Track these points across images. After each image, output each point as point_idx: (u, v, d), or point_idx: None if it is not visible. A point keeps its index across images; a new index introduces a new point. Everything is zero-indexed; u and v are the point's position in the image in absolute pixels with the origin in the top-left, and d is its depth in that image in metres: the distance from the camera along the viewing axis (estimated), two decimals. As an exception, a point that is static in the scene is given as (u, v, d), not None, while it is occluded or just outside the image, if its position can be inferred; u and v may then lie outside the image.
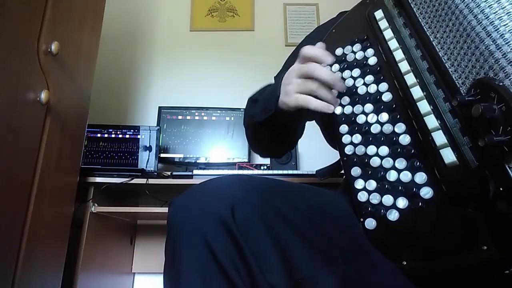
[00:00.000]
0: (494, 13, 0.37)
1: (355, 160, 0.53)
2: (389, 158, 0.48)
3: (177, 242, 0.43)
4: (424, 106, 0.45)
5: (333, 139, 0.55)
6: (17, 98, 0.85)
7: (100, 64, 1.40)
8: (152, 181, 1.39)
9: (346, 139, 0.55)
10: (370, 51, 0.57)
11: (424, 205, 0.43)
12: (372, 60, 0.56)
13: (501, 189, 0.36)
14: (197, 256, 0.41)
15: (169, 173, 1.49)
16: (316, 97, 0.56)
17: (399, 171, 0.47)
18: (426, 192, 0.43)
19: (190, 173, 1.44)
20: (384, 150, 0.49)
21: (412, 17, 0.51)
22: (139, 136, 1.60)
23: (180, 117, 1.78)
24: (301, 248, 0.44)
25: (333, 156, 0.61)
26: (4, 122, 0.80)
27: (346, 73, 0.58)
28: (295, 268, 0.43)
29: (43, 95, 0.92)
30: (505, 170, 0.35)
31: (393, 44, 0.52)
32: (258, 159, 1.78)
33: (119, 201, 1.49)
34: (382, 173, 0.49)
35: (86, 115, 1.27)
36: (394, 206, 0.46)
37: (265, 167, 1.59)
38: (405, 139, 0.48)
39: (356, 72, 0.57)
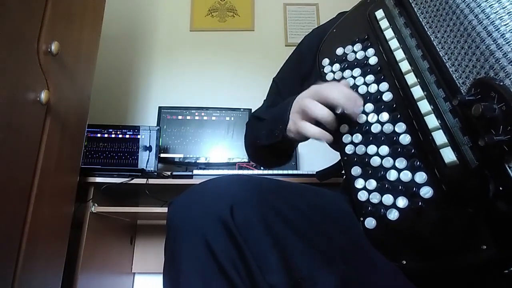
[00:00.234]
0: (495, 12, 0.37)
1: (355, 159, 0.53)
2: (389, 158, 0.48)
3: (176, 242, 0.43)
4: (424, 106, 0.45)
5: (333, 139, 0.55)
6: (17, 98, 0.85)
7: (100, 64, 1.40)
8: (152, 181, 1.39)
9: (346, 138, 0.55)
10: (370, 51, 0.57)
11: (424, 205, 0.43)
12: (373, 60, 0.56)
13: (501, 188, 0.36)
14: (197, 256, 0.41)
15: (169, 173, 1.49)
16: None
17: (399, 170, 0.47)
18: (426, 192, 0.43)
19: (190, 173, 1.44)
20: (384, 149, 0.49)
21: (413, 17, 0.51)
22: (139, 136, 1.60)
23: (180, 117, 1.78)
24: (301, 248, 0.44)
25: (333, 156, 0.61)
26: (4, 122, 0.80)
27: (347, 72, 0.58)
28: (295, 268, 0.42)
29: (43, 95, 0.92)
30: (505, 170, 0.35)
31: (393, 43, 0.52)
32: (258, 159, 1.78)
33: (119, 201, 1.49)
34: (382, 172, 0.49)
35: (86, 115, 1.27)
36: (394, 205, 0.46)
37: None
38: (405, 139, 0.48)
39: (357, 71, 0.57)
